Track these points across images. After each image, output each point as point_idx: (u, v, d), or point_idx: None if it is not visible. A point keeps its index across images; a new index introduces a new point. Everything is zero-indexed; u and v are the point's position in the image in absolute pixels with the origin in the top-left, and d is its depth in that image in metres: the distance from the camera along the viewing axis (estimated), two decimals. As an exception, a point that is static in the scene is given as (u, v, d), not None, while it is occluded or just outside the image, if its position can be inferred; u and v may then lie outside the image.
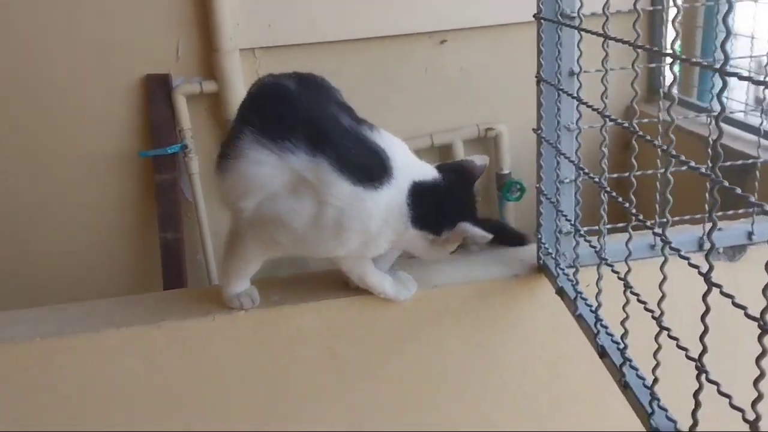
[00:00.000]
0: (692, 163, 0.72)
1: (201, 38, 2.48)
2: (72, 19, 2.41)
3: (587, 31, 1.06)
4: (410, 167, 1.17)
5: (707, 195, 0.69)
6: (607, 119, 0.96)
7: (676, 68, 0.76)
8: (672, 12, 2.42)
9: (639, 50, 0.87)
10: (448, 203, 1.17)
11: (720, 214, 1.29)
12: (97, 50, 2.46)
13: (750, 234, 1.33)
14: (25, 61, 2.43)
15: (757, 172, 1.33)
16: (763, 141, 1.33)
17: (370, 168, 1.11)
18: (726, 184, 0.65)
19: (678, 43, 2.40)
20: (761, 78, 0.63)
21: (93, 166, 2.58)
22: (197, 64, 2.52)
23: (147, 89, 2.53)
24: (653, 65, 2.38)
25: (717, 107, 0.67)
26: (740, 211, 1.35)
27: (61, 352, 1.27)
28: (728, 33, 0.63)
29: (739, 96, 2.07)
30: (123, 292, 2.59)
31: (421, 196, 1.14)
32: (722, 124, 0.66)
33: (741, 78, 0.62)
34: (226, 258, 1.26)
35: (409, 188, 1.13)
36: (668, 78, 2.40)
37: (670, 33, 2.51)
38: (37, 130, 2.52)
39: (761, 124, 1.30)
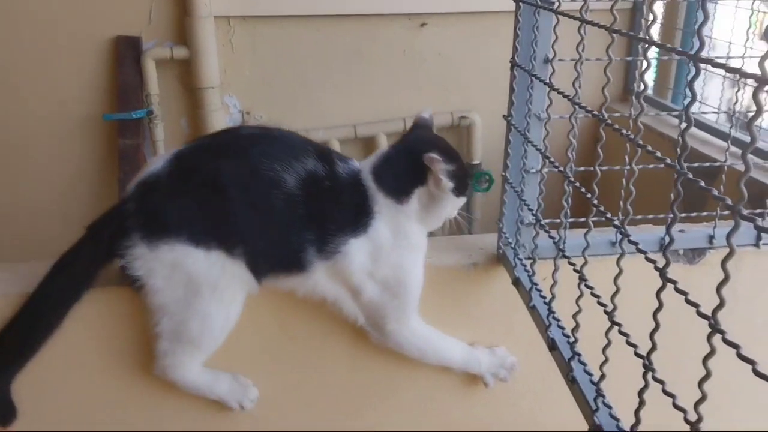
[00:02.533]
0: (658, 154, 0.69)
1: (175, 2, 2.42)
2: (42, -27, 2.33)
3: (564, 14, 1.03)
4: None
5: (673, 188, 0.67)
6: (577, 107, 0.93)
7: (651, 55, 0.74)
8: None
9: (615, 39, 0.84)
10: (408, 159, 1.18)
11: (683, 215, 1.28)
12: (66, 8, 2.38)
13: (711, 237, 1.32)
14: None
15: (723, 176, 1.32)
16: (732, 147, 1.33)
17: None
18: (690, 175, 0.62)
19: (657, 35, 2.40)
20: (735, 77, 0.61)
21: (55, 127, 2.50)
22: (170, 28, 2.46)
23: (116, 51, 2.45)
24: (629, 59, 2.38)
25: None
26: (704, 214, 1.34)
27: (10, 312, 1.21)
28: (706, 17, 0.60)
29: (713, 102, 2.07)
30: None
31: (380, 176, 1.16)
32: (694, 129, 0.63)
33: (715, 65, 0.60)
34: None
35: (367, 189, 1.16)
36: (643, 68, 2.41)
37: (650, 21, 2.51)
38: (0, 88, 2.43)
39: (731, 127, 1.28)
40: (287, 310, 1.29)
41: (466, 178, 1.19)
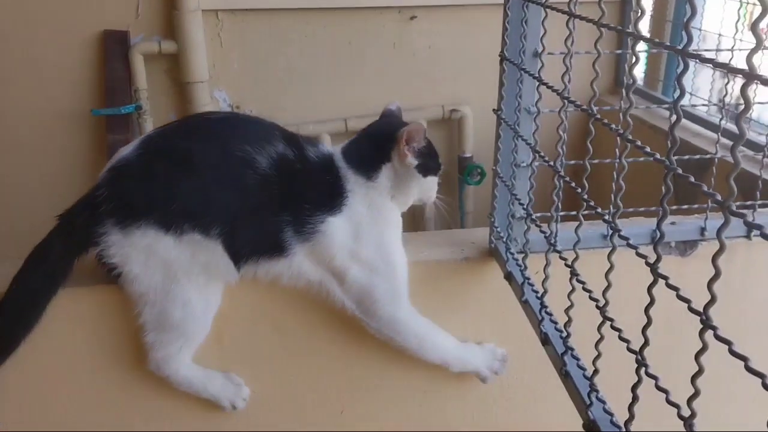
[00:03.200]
0: (647, 149, 0.69)
1: (163, -4, 2.40)
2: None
3: (552, 8, 1.02)
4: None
5: (663, 183, 0.67)
6: (567, 101, 0.92)
7: (640, 49, 0.73)
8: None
9: (603, 31, 0.84)
10: (375, 137, 1.24)
11: (674, 208, 1.28)
12: (53, 2, 2.35)
13: (702, 230, 1.32)
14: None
15: (714, 168, 1.33)
16: (722, 139, 1.33)
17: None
18: (680, 171, 0.62)
19: (646, 30, 2.40)
20: (723, 72, 0.60)
21: (43, 122, 2.48)
22: (157, 22, 2.44)
23: (104, 45, 2.43)
24: (618, 52, 2.38)
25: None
26: (695, 206, 1.34)
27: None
28: (693, 12, 0.60)
29: (703, 94, 2.07)
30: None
31: (350, 156, 1.21)
32: (685, 121, 0.63)
33: (702, 60, 0.59)
34: None
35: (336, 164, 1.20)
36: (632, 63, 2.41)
37: (638, 15, 2.51)
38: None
39: (721, 119, 1.28)
40: (280, 309, 1.29)
41: (432, 159, 1.23)
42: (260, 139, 1.14)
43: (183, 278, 1.13)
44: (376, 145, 1.22)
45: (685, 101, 1.80)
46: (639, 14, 0.70)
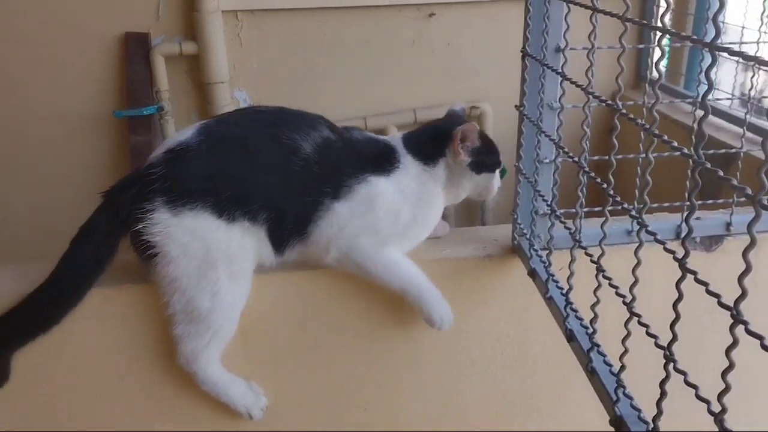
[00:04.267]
0: (675, 143, 0.69)
1: (183, -3, 2.42)
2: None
3: (575, 3, 1.02)
4: None
5: (689, 178, 0.67)
6: (591, 96, 0.92)
7: (665, 42, 0.73)
8: (664, -2, 2.39)
9: (628, 25, 0.83)
10: (436, 131, 1.30)
11: (699, 203, 1.27)
12: (75, 6, 2.38)
13: (728, 225, 1.31)
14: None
15: (740, 163, 1.31)
16: (747, 133, 1.31)
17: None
18: (708, 165, 0.62)
19: (668, 21, 2.38)
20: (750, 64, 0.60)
21: (66, 125, 2.51)
22: (178, 24, 2.46)
23: (125, 47, 2.46)
24: (641, 46, 2.35)
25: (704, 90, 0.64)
26: (720, 201, 1.33)
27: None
28: (722, 5, 0.59)
29: (726, 88, 2.05)
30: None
31: (410, 142, 1.28)
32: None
33: (731, 53, 0.59)
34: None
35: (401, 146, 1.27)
36: (656, 56, 2.39)
37: (663, 8, 2.49)
38: (9, 87, 2.44)
39: (746, 113, 1.27)
40: (303, 307, 1.29)
41: (488, 156, 1.28)
42: (306, 126, 1.20)
43: (221, 266, 1.15)
44: (434, 138, 1.28)
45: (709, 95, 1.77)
46: (665, 8, 0.69)
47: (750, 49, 1.38)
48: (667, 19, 0.74)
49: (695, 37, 0.67)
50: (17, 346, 1.18)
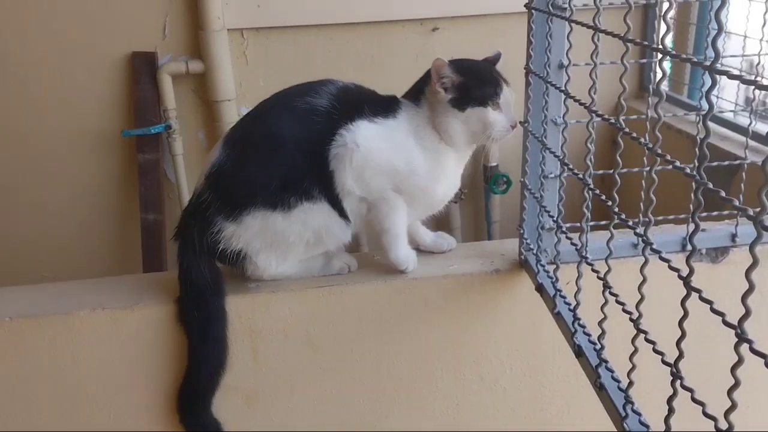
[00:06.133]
0: (677, 163, 0.70)
1: (189, 16, 2.44)
2: (57, -7, 2.36)
3: (578, 23, 1.03)
4: None
5: (692, 196, 0.68)
6: (594, 114, 0.93)
7: (666, 64, 0.74)
8: (665, 7, 2.41)
9: (630, 45, 0.84)
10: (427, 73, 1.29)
11: (704, 214, 1.28)
12: (82, 26, 2.41)
13: (733, 236, 1.32)
14: (4, 32, 2.38)
15: (744, 174, 1.32)
16: (751, 142, 1.32)
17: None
18: (710, 185, 0.63)
19: (670, 38, 2.39)
20: (752, 77, 0.61)
21: (75, 144, 2.53)
22: (184, 43, 2.48)
23: (132, 67, 2.48)
24: (644, 61, 2.36)
25: (706, 105, 0.65)
26: (725, 212, 1.34)
27: (32, 333, 1.24)
28: (720, 29, 0.61)
29: (729, 96, 2.05)
30: (102, 272, 2.56)
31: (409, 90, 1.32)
32: (711, 124, 0.64)
33: (731, 77, 0.60)
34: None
35: None
36: (658, 74, 2.39)
37: (663, 29, 2.50)
38: (18, 106, 2.47)
39: (750, 125, 1.28)
40: (312, 322, 1.30)
41: (471, 91, 1.24)
42: (317, 86, 1.25)
43: (300, 245, 1.24)
44: (422, 78, 1.31)
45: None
46: (665, 30, 0.71)
47: (751, 60, 1.39)
48: (668, 39, 0.75)
49: (695, 59, 0.69)
50: (211, 396, 1.27)
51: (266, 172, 1.19)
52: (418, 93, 1.29)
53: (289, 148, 1.20)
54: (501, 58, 1.35)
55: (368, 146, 1.21)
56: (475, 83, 1.24)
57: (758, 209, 0.55)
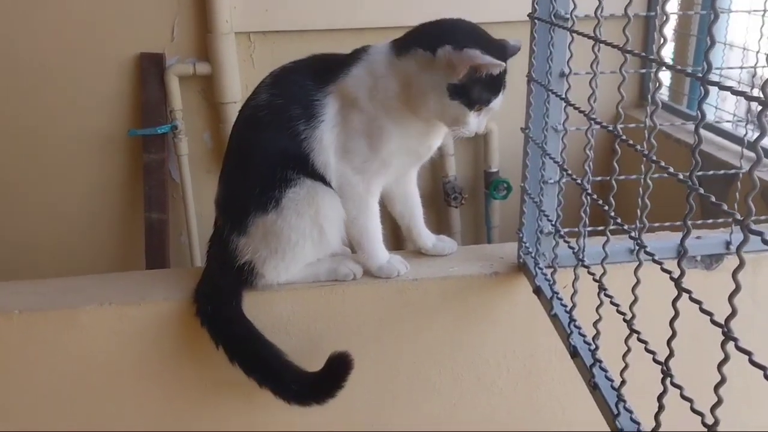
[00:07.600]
0: (671, 169, 0.73)
1: (197, 19, 2.47)
2: (67, -6, 2.40)
3: (579, 33, 1.06)
4: None
5: (686, 203, 0.71)
6: (593, 122, 0.96)
7: (664, 75, 0.77)
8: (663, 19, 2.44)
9: (628, 55, 0.87)
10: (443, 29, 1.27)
11: (700, 222, 1.30)
12: (91, 27, 2.44)
13: (728, 243, 1.34)
14: (13, 33, 2.41)
15: (739, 183, 1.35)
16: (746, 152, 1.35)
17: None
18: (701, 191, 0.66)
19: (669, 49, 2.41)
20: (748, 90, 0.64)
21: (81, 143, 2.56)
22: (192, 45, 2.51)
23: (140, 68, 2.51)
24: (643, 71, 2.39)
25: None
26: (720, 220, 1.36)
27: (39, 327, 1.27)
28: (713, 42, 0.63)
29: (730, 107, 2.08)
30: (105, 269, 2.58)
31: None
32: (711, 134, 0.67)
33: (722, 87, 0.63)
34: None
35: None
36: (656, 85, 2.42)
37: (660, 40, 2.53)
38: (26, 105, 2.50)
39: (745, 135, 1.31)
40: (311, 318, 1.33)
41: (475, 91, 1.17)
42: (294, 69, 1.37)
43: (303, 243, 1.26)
44: (434, 34, 1.24)
45: (710, 116, 1.81)
46: (662, 42, 0.74)
47: (749, 73, 1.42)
48: (669, 36, 0.78)
49: (689, 70, 0.71)
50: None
51: (248, 181, 1.25)
52: (410, 46, 1.23)
53: (257, 151, 1.25)
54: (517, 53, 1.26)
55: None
56: (481, 86, 1.16)
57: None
